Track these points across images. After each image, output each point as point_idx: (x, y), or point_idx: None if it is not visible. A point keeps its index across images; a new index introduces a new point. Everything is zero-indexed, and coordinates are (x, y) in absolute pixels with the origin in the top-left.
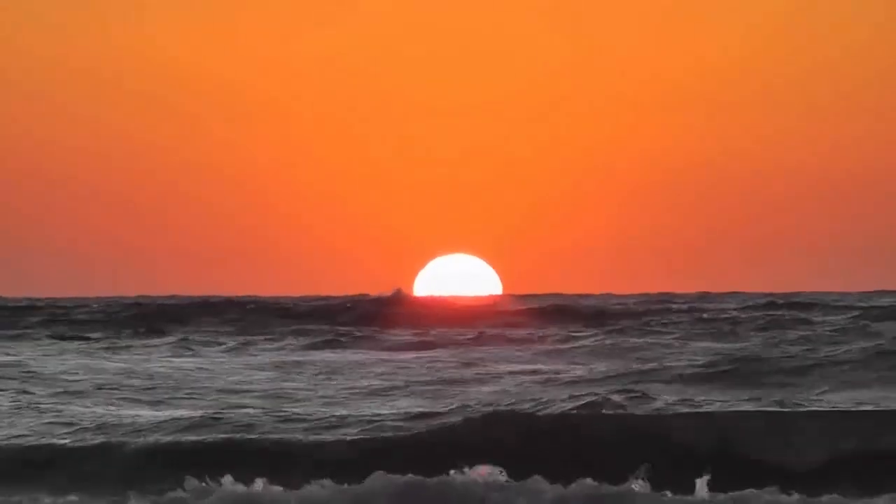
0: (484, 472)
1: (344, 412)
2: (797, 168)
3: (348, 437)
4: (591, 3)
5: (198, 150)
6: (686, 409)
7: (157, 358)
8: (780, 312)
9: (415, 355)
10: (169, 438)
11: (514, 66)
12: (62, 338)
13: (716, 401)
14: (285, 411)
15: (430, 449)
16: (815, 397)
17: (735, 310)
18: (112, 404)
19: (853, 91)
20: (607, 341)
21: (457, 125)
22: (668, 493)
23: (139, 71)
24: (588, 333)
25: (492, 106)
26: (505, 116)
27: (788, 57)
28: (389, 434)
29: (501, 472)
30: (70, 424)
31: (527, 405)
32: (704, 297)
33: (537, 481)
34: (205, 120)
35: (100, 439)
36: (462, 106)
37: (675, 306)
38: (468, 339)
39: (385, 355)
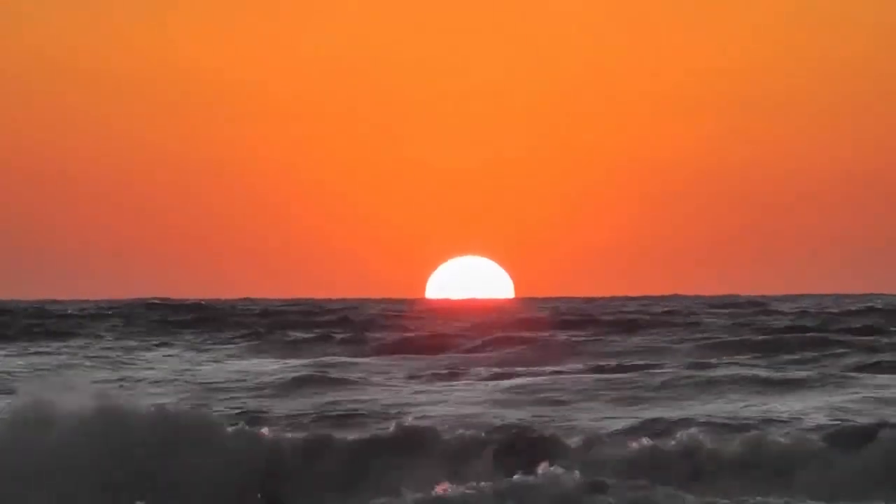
0: None
1: None
2: (817, 169)
3: None
4: (611, 8)
5: (204, 151)
6: None
7: None
8: None
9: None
10: None
11: (528, 70)
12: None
13: None
14: None
15: None
16: None
17: None
18: None
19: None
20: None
21: (467, 128)
22: None
23: (141, 72)
24: None
25: (505, 109)
26: (519, 120)
27: (804, 59)
28: None
29: None
30: None
31: None
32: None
33: None
34: (212, 121)
35: None
36: (475, 109)
37: None
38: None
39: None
